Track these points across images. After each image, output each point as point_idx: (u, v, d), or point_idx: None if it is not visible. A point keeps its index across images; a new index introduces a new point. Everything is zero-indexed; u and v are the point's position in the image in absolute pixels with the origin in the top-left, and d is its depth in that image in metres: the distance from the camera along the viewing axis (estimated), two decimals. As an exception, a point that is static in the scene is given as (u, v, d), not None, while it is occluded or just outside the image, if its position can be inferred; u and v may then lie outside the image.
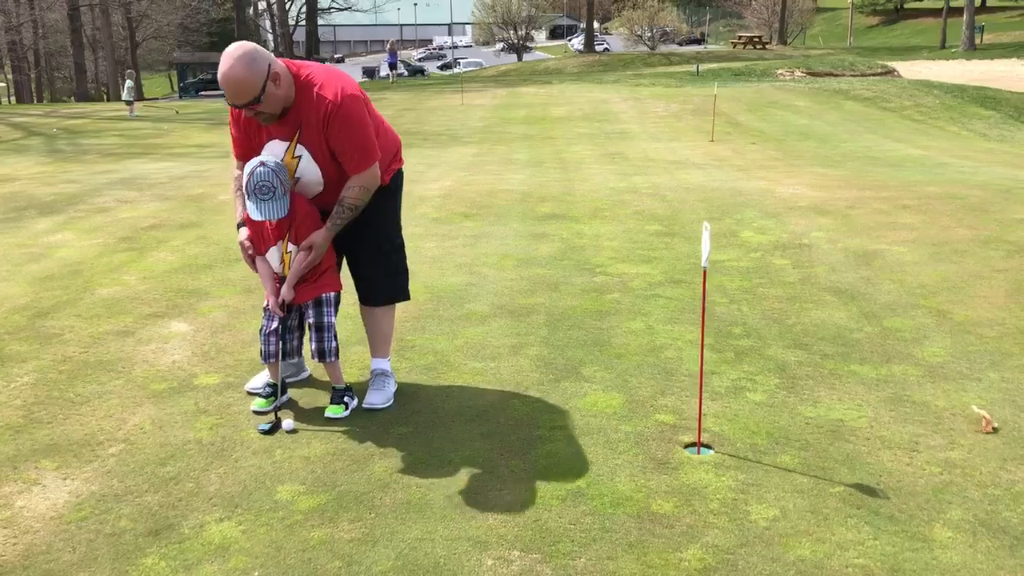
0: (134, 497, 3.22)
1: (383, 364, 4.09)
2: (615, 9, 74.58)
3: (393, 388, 4.03)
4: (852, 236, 6.84)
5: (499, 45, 73.70)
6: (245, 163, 3.69)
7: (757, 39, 51.98)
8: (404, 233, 4.25)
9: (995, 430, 3.56)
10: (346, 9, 58.11)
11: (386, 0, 66.95)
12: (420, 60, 73.60)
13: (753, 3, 65.61)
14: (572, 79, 31.90)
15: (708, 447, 3.52)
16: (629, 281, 5.80)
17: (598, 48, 59.99)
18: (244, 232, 3.79)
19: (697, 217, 7.68)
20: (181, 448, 3.59)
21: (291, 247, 3.73)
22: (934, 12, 65.58)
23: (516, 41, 69.92)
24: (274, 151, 3.65)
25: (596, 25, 67.09)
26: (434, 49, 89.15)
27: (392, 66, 34.74)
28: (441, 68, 67.92)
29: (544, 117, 19.11)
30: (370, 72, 63.52)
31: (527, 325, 4.98)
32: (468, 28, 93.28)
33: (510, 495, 3.17)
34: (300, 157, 3.67)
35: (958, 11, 52.23)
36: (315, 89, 3.54)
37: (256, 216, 3.60)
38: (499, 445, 3.55)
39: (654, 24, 56.43)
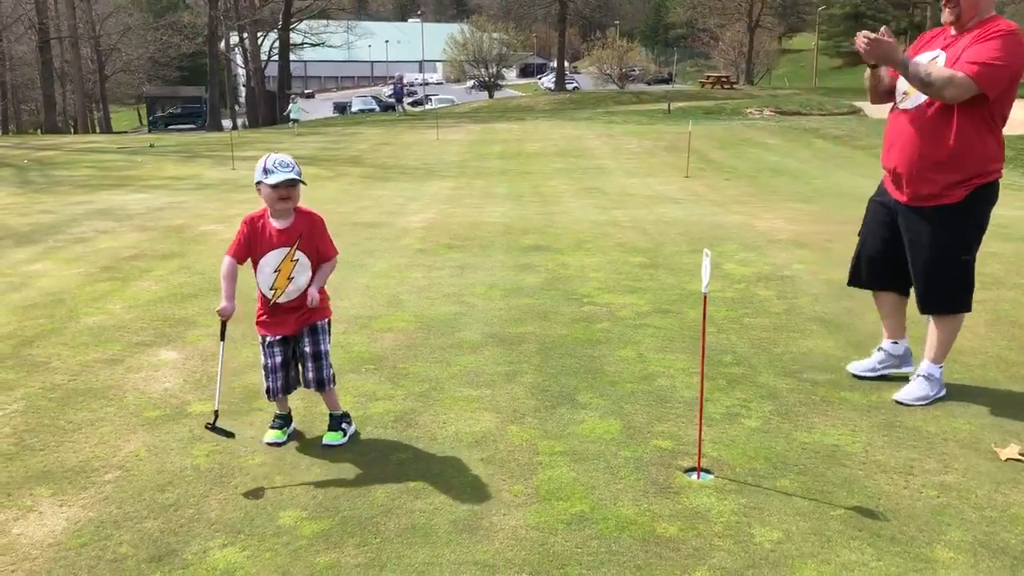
0: (133, 523, 3.18)
1: (931, 367, 4.23)
2: (584, 48, 75.66)
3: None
4: (832, 268, 6.95)
5: (470, 83, 74.36)
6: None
7: (725, 79, 52.96)
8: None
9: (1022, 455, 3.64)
10: (318, 45, 58.36)
11: (358, 37, 67.27)
12: (390, 97, 74.00)
13: (720, 44, 66.94)
14: (545, 116, 32.26)
15: (708, 472, 3.54)
16: (617, 311, 5.85)
17: (568, 86, 60.77)
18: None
19: (679, 249, 7.78)
20: (179, 475, 3.55)
21: (298, 254, 3.71)
22: (895, 55, 67.13)
23: (487, 79, 70.62)
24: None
25: (566, 64, 67.98)
26: (405, 86, 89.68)
27: (399, 97, 35.18)
28: (412, 104, 68.33)
29: (520, 152, 19.28)
30: (341, 108, 63.74)
31: (519, 353, 5.00)
32: (439, 65, 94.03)
33: (514, 519, 3.17)
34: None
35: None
36: (994, 21, 3.86)
37: (285, 175, 3.55)
38: (500, 470, 3.55)
39: (623, 64, 57.28)
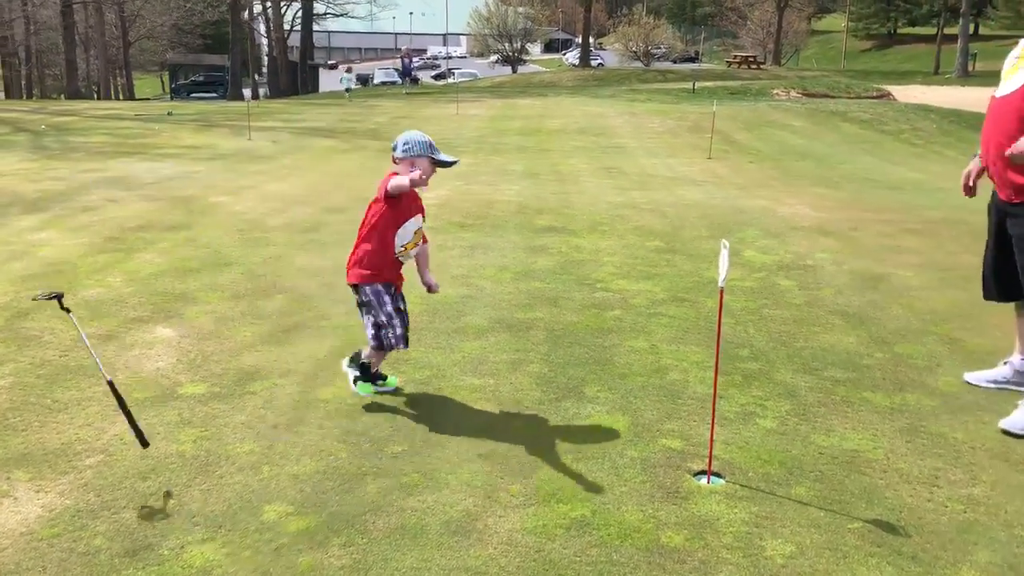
0: (111, 513, 3.03)
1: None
2: (611, 25, 74.77)
3: None
4: (857, 258, 6.70)
5: (494, 57, 73.64)
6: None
7: (752, 59, 52.11)
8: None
9: None
10: (341, 16, 57.92)
11: (382, 8, 66.75)
12: (415, 69, 73.51)
13: (748, 23, 65.91)
14: (567, 92, 31.84)
15: (719, 476, 3.35)
16: (631, 298, 5.63)
17: (593, 63, 60.08)
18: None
19: (698, 234, 7.54)
20: (162, 462, 3.40)
21: (420, 219, 3.99)
22: (926, 39, 66.13)
23: (511, 53, 69.95)
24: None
25: (591, 40, 67.22)
26: (429, 59, 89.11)
27: (407, 73, 34.66)
28: (435, 78, 67.84)
29: (540, 129, 18.98)
30: (363, 79, 63.34)
31: (527, 341, 4.81)
32: (463, 39, 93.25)
33: (511, 523, 2.99)
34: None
35: (951, 38, 52.64)
36: None
37: (449, 160, 3.88)
38: (499, 467, 3.37)
39: (649, 41, 56.52)
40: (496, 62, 72.77)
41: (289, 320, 5.07)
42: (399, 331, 3.86)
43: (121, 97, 52.89)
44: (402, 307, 3.92)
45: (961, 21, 49.18)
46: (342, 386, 4.05)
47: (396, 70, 57.07)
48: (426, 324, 5.03)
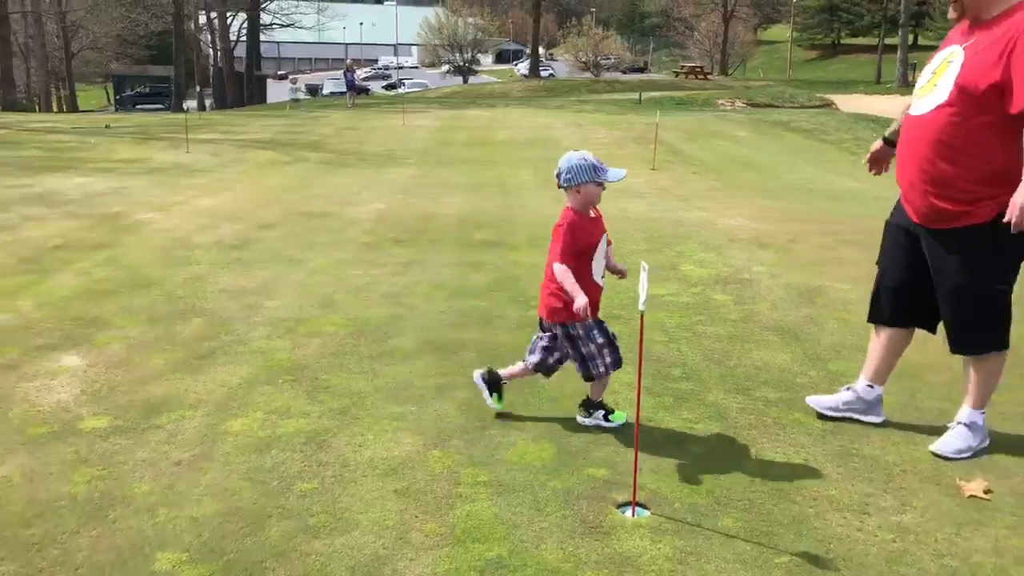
0: (-14, 568, 2.78)
1: (972, 414, 3.68)
2: (561, 35, 75.08)
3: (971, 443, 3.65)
4: (794, 271, 6.65)
5: (445, 67, 73.51)
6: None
7: (699, 69, 52.68)
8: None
9: (987, 492, 3.32)
10: (288, 26, 57.32)
11: (330, 18, 66.21)
12: (365, 80, 73.02)
13: (695, 34, 66.69)
14: (517, 103, 31.81)
15: (644, 507, 3.20)
16: (565, 316, 5.48)
17: (543, 73, 60.24)
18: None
19: (637, 248, 7.44)
20: (51, 506, 3.16)
21: (605, 237, 3.83)
22: (868, 49, 67.49)
23: (462, 64, 69.88)
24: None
25: (541, 51, 67.40)
26: (379, 69, 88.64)
27: (351, 87, 34.05)
28: (386, 88, 67.48)
29: (487, 141, 18.86)
30: (313, 90, 62.76)
31: (456, 363, 4.63)
32: (414, 49, 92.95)
33: (422, 566, 2.81)
34: (952, 63, 3.44)
35: (892, 48, 53.74)
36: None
37: (618, 176, 3.77)
38: (414, 504, 3.19)
39: (598, 52, 56.84)
40: (447, 72, 72.64)
41: (204, 346, 4.83)
42: (608, 360, 3.76)
43: (64, 109, 51.68)
44: (610, 333, 3.81)
45: (900, 32, 50.20)
46: (254, 417, 3.84)
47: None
48: (350, 348, 4.83)
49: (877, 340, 3.93)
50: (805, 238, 7.90)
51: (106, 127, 21.50)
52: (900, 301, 3.78)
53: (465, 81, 66.27)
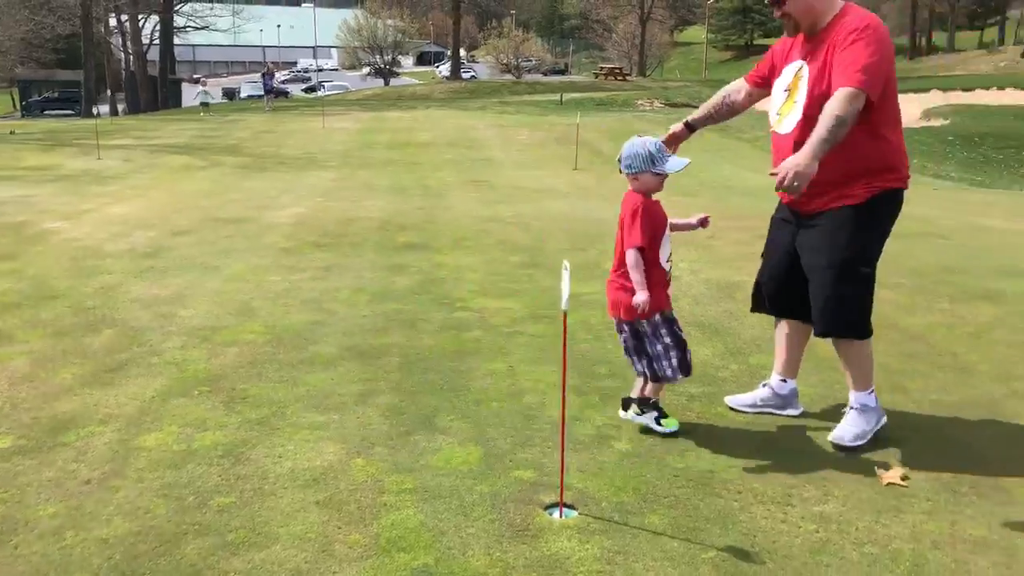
0: None
1: (859, 396, 3.72)
2: (482, 37, 75.11)
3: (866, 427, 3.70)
4: (714, 267, 6.75)
5: (366, 70, 72.79)
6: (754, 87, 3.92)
7: (618, 70, 53.33)
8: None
9: (904, 478, 3.38)
10: (203, 28, 55.99)
11: (246, 20, 64.94)
12: (284, 83, 71.85)
13: (614, 36, 67.46)
14: (438, 105, 31.70)
15: (571, 508, 3.18)
16: (490, 317, 5.46)
17: (465, 75, 60.21)
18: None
19: (561, 247, 7.46)
20: (-53, 534, 2.97)
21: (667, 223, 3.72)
22: (782, 49, 69.10)
23: (383, 66, 69.31)
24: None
25: (463, 53, 67.34)
26: (298, 71, 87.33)
27: (269, 91, 33.35)
28: (306, 91, 66.50)
29: (409, 142, 18.73)
30: (230, 94, 61.49)
31: (378, 368, 4.55)
32: (334, 52, 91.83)
33: (346, 578, 2.73)
34: (802, 78, 3.56)
35: (803, 49, 55.27)
36: (848, 16, 3.47)
37: (678, 166, 3.60)
38: (337, 515, 3.10)
39: (519, 54, 57.08)
40: (368, 75, 71.99)
41: (116, 358, 4.64)
42: (675, 362, 3.62)
43: (-36, 115, 49.52)
44: (679, 332, 3.67)
45: (812, 33, 51.63)
46: (168, 431, 3.70)
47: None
48: (269, 356, 4.70)
49: (777, 333, 4.05)
50: (723, 234, 8.02)
51: (11, 133, 20.65)
52: (779, 290, 3.90)
53: (386, 83, 65.77)
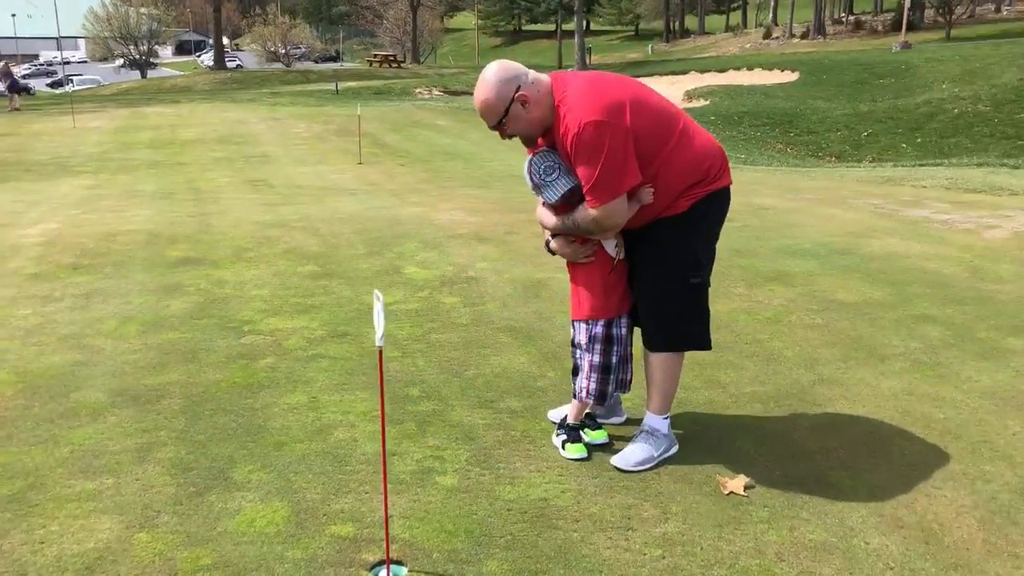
0: None
1: (652, 420, 3.53)
2: (246, 25, 71.80)
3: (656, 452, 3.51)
4: (515, 265, 6.57)
5: (119, 61, 67.54)
6: None
7: (392, 57, 52.80)
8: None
9: (748, 488, 3.26)
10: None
11: (-25, 9, 58.35)
12: (25, 78, 65.26)
13: (385, 22, 66.72)
14: (203, 98, 29.83)
15: (400, 564, 2.83)
16: (284, 339, 4.96)
17: (230, 64, 57.34)
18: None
19: (356, 252, 7.01)
20: None
21: None
22: (548, 35, 71.47)
23: (138, 57, 64.64)
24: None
25: (227, 41, 64.04)
26: (42, 65, 79.74)
27: (13, 89, 29.71)
28: (51, 86, 60.75)
29: (174, 140, 17.38)
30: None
31: (158, 415, 3.95)
32: (81, 42, 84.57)
33: None
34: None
35: (570, 34, 57.25)
36: (563, 112, 3.22)
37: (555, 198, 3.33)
38: (119, 615, 2.57)
39: (288, 41, 55.11)
40: (122, 67, 66.90)
41: None
42: (593, 386, 3.49)
43: None
44: (615, 356, 3.51)
45: (576, 18, 53.48)
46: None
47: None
48: (21, 411, 3.98)
49: None
50: (519, 228, 7.89)
51: None
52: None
53: (144, 75, 61.42)
